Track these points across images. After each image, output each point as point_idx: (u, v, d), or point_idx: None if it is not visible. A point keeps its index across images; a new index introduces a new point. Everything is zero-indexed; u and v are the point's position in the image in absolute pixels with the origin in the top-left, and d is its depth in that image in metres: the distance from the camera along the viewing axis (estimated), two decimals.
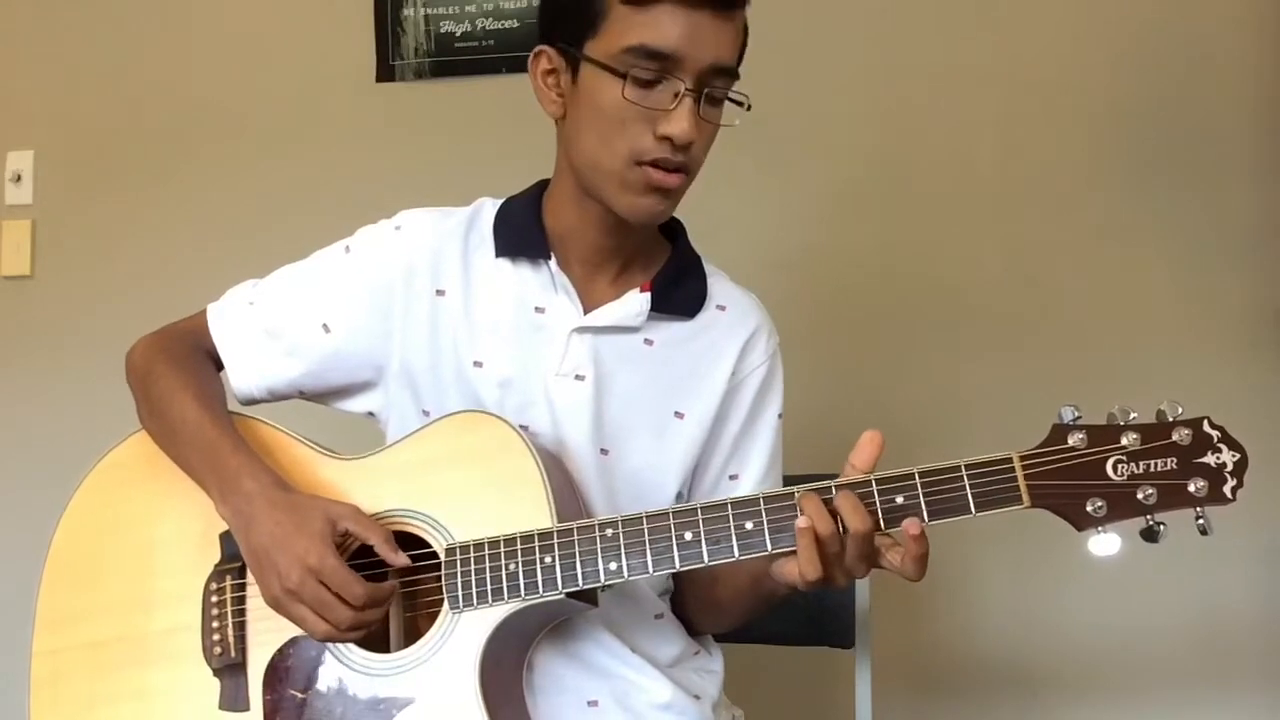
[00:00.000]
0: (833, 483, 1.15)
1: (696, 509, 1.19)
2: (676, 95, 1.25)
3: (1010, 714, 2.17)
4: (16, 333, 2.50)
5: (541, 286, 1.38)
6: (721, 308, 1.43)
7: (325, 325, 1.40)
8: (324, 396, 1.45)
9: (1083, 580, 2.14)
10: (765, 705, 1.63)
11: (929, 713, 2.18)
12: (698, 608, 1.45)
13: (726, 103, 1.30)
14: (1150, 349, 2.16)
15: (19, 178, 2.52)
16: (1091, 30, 2.24)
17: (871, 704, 1.76)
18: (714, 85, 1.27)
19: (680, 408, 1.39)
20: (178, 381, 1.38)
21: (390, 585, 1.25)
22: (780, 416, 1.45)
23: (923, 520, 1.12)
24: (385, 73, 2.42)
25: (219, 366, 1.45)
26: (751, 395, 1.42)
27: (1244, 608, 2.12)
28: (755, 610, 1.40)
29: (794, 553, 1.16)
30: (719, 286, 1.45)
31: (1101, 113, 2.23)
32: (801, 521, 1.14)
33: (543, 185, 1.43)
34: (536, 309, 1.38)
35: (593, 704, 1.32)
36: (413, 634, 1.27)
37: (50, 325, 2.49)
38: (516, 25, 2.37)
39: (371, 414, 1.44)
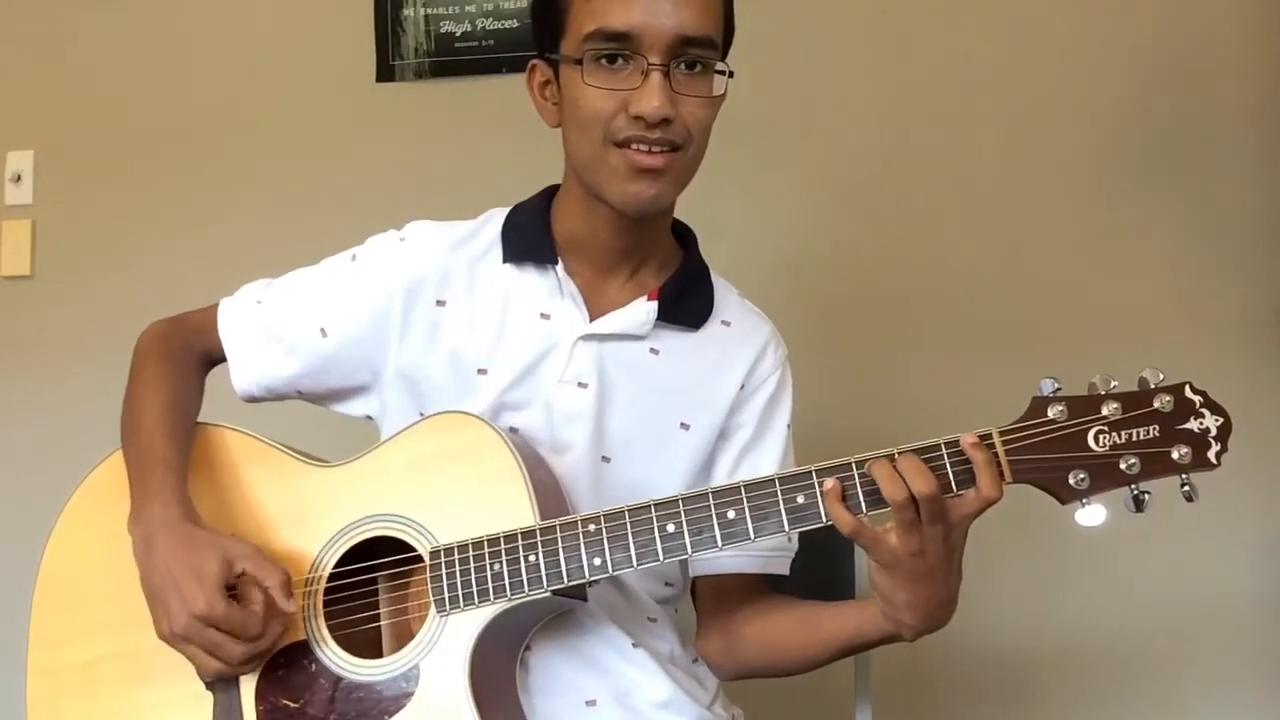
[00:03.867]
0: (813, 467, 1.15)
1: (678, 500, 1.19)
2: (643, 73, 1.25)
3: (1010, 711, 2.17)
4: (16, 333, 2.50)
5: (548, 292, 1.38)
6: (726, 323, 1.43)
7: (323, 329, 1.40)
8: (321, 398, 1.45)
9: (1083, 577, 2.14)
10: (765, 705, 1.63)
11: (928, 711, 2.18)
12: (757, 657, 1.42)
13: (718, 76, 1.29)
14: (1150, 349, 2.16)
15: (19, 178, 2.51)
16: (1092, 30, 2.24)
17: (871, 703, 1.76)
18: (685, 55, 1.26)
19: (686, 419, 1.39)
20: (156, 381, 1.39)
21: (291, 608, 1.25)
22: (789, 427, 1.45)
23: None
24: (385, 73, 2.42)
25: (216, 364, 1.47)
26: (760, 406, 1.42)
27: (1245, 606, 2.11)
28: (831, 659, 1.37)
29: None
30: (725, 301, 1.44)
31: (1102, 113, 2.23)
32: (829, 483, 1.13)
33: (550, 191, 1.44)
34: (542, 315, 1.37)
35: (591, 703, 1.32)
36: (405, 636, 1.27)
37: (50, 325, 2.49)
38: (516, 25, 2.37)
39: (369, 418, 1.45)
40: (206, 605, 1.21)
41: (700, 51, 1.27)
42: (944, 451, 1.13)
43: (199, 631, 1.22)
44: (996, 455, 1.11)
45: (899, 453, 1.13)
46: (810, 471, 1.15)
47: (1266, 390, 2.10)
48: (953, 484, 1.12)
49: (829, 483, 1.14)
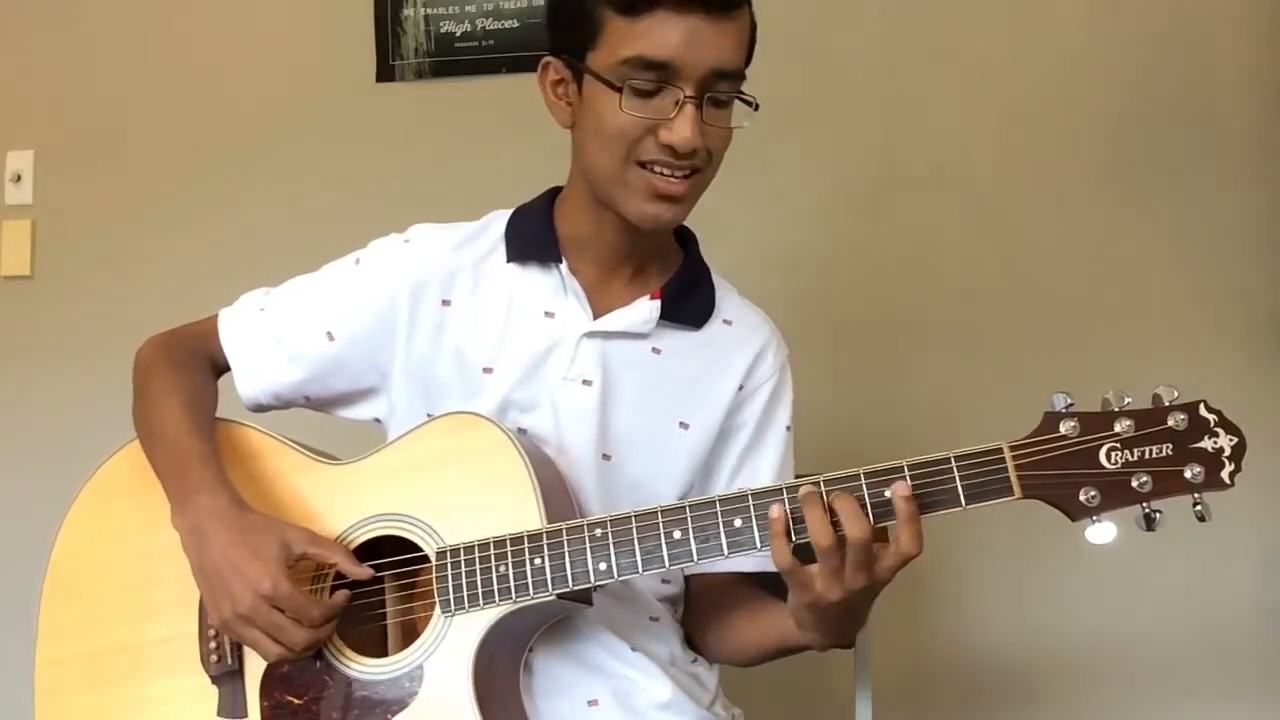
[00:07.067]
0: (821, 477, 1.14)
1: (685, 507, 1.19)
2: (677, 103, 1.25)
3: (1009, 713, 2.17)
4: (16, 333, 2.50)
5: (552, 291, 1.39)
6: (728, 322, 1.44)
7: (329, 333, 1.41)
8: (329, 404, 1.46)
9: (1083, 580, 2.14)
10: (765, 705, 1.63)
11: (928, 713, 2.18)
12: (720, 650, 1.44)
13: (737, 103, 1.30)
14: (1150, 349, 2.16)
15: (19, 178, 2.51)
16: (1093, 30, 2.24)
17: (871, 704, 1.76)
18: (716, 89, 1.27)
19: (685, 418, 1.39)
20: (170, 385, 1.39)
21: (342, 596, 1.26)
22: (789, 429, 1.45)
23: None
24: (385, 73, 2.42)
25: (222, 371, 1.47)
26: (760, 408, 1.43)
27: (1245, 608, 2.12)
28: (772, 658, 1.40)
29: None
30: (727, 300, 1.45)
31: (1102, 113, 2.23)
32: (774, 511, 1.12)
33: (554, 192, 1.44)
34: (546, 313, 1.38)
35: (593, 703, 1.32)
36: (410, 636, 1.27)
37: (50, 325, 2.48)
38: (516, 25, 2.37)
39: (378, 420, 1.45)
40: (271, 584, 1.21)
41: (730, 85, 1.28)
42: (864, 483, 1.11)
43: (264, 612, 1.22)
44: (916, 512, 1.10)
45: (824, 484, 1.12)
46: (819, 482, 1.14)
47: (1266, 391, 2.10)
48: (870, 516, 1.10)
49: (774, 510, 1.12)
